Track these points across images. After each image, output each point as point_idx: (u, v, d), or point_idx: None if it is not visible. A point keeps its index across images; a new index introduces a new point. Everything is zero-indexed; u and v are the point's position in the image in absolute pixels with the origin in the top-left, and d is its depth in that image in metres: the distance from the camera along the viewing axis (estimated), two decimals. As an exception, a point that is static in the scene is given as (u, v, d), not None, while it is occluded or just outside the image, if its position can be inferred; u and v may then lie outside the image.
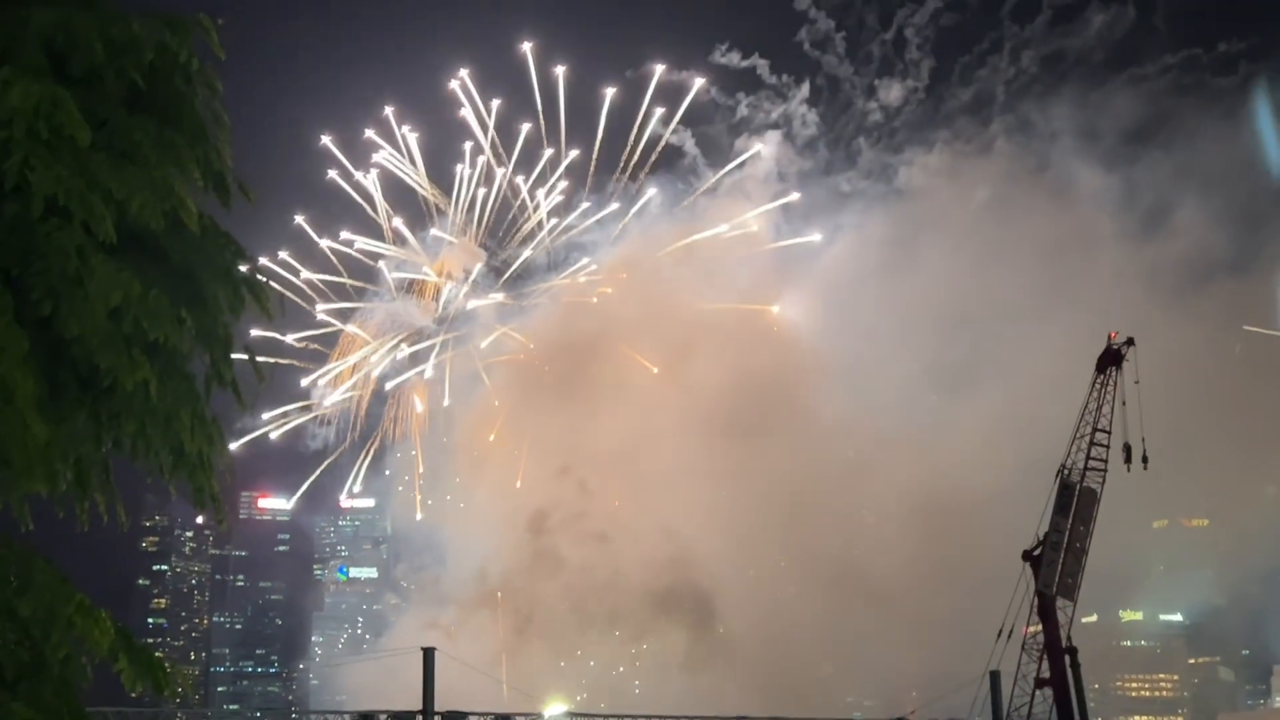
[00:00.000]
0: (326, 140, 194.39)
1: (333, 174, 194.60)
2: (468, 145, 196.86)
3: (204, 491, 17.73)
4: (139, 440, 16.84)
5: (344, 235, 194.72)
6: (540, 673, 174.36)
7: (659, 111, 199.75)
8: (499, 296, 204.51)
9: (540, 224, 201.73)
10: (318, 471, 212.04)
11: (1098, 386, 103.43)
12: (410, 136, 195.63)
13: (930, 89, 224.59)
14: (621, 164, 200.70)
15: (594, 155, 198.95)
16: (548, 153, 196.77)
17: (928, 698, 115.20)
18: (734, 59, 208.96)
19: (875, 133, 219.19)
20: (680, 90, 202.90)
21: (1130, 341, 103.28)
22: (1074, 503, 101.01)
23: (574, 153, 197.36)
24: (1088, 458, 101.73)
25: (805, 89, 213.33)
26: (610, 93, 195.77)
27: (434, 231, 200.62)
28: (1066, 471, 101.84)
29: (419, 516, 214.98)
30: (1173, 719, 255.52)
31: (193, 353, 17.31)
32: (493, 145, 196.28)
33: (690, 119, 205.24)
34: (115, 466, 18.05)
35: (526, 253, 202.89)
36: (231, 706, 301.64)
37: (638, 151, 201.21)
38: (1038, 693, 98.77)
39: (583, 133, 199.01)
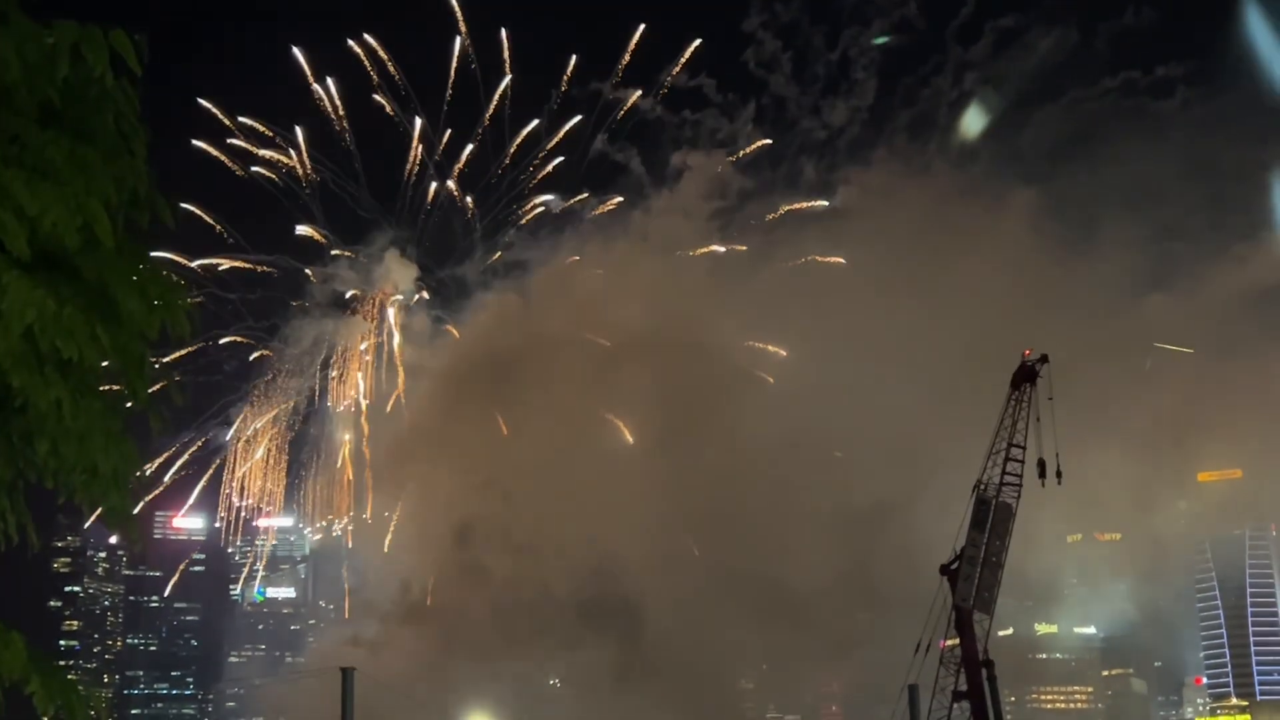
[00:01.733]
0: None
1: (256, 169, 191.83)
2: (414, 153, 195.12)
3: (117, 511, 17.50)
4: (51, 460, 16.60)
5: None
6: (465, 688, 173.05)
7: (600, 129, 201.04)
8: (431, 312, 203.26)
9: (476, 239, 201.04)
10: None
11: (1013, 403, 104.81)
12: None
13: (874, 109, 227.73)
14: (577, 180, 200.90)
15: (533, 168, 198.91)
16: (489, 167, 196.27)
17: (848, 712, 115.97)
18: (682, 79, 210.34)
19: (817, 151, 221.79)
20: (628, 109, 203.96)
21: (1044, 359, 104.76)
22: (990, 518, 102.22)
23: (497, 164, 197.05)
24: (1003, 473, 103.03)
25: (751, 108, 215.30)
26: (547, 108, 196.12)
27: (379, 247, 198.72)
28: (983, 487, 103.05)
29: (338, 534, 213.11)
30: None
31: (107, 371, 17.10)
32: (436, 162, 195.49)
33: (635, 136, 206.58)
34: (26, 486, 17.78)
35: (465, 265, 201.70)
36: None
37: (582, 167, 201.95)
38: (955, 705, 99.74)
39: (523, 145, 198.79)
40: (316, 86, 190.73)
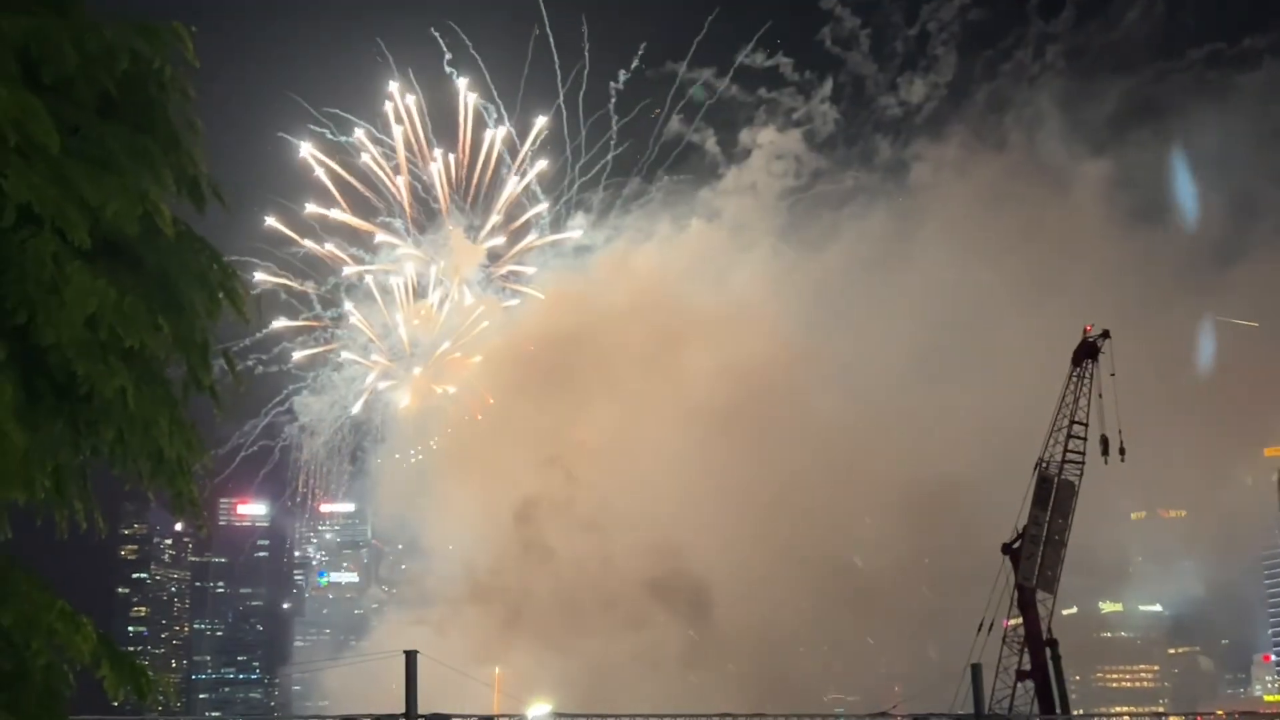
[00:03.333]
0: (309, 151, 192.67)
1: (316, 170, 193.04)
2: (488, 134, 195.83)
3: (183, 497, 17.71)
4: (117, 447, 16.81)
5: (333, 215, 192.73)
6: (530, 669, 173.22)
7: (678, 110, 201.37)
8: (492, 291, 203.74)
9: (540, 216, 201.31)
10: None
11: (1074, 379, 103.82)
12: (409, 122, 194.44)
13: (952, 84, 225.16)
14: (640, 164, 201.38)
15: (609, 155, 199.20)
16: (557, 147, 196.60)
17: (910, 692, 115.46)
18: (758, 59, 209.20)
19: (892, 129, 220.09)
20: (704, 89, 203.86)
21: (1106, 334, 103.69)
22: (1052, 495, 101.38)
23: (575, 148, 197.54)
24: (1065, 450, 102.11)
25: (828, 86, 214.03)
26: (619, 88, 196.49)
27: (449, 227, 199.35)
28: (1044, 464, 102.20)
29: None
30: (1153, 709, 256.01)
31: (170, 358, 17.28)
32: (506, 139, 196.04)
33: (710, 117, 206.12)
34: (93, 474, 18.01)
35: (530, 238, 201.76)
36: (214, 713, 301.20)
37: (655, 149, 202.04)
38: (1019, 685, 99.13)
39: (598, 129, 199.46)
40: (391, 87, 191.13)
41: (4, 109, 15.00)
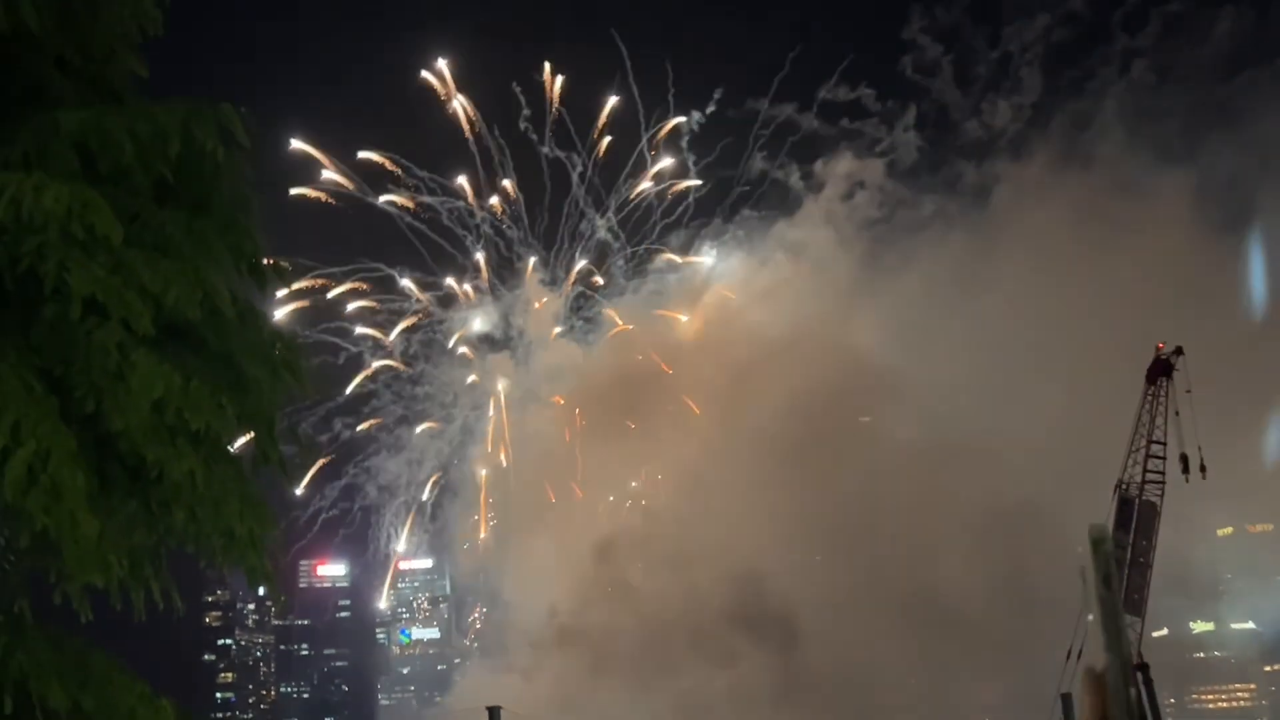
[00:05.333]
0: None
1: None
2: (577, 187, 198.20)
3: (257, 571, 17.89)
4: (190, 526, 17.04)
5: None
6: (619, 714, 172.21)
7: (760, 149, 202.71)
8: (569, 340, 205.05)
9: (623, 269, 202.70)
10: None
11: (1149, 398, 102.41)
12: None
13: (1036, 105, 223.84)
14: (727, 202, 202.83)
15: (691, 195, 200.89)
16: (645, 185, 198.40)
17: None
18: (841, 93, 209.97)
19: (975, 153, 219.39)
20: (787, 125, 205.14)
21: (1179, 350, 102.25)
22: (1134, 517, 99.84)
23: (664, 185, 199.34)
24: (1145, 471, 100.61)
25: (911, 114, 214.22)
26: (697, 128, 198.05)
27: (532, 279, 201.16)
28: (1124, 486, 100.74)
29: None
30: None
31: (236, 436, 17.50)
32: (585, 180, 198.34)
33: (793, 152, 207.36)
34: (170, 550, 18.24)
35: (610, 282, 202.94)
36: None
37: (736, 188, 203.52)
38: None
39: (682, 169, 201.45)
40: (477, 130, 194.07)
41: (67, 204, 15.31)
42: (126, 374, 15.54)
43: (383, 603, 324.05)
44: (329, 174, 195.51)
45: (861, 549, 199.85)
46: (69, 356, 15.57)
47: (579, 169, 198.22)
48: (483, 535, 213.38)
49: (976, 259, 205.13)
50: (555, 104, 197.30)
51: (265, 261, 18.40)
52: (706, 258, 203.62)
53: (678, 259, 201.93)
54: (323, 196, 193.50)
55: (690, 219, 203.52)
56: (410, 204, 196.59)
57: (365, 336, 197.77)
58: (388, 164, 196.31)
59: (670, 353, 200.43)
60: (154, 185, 16.97)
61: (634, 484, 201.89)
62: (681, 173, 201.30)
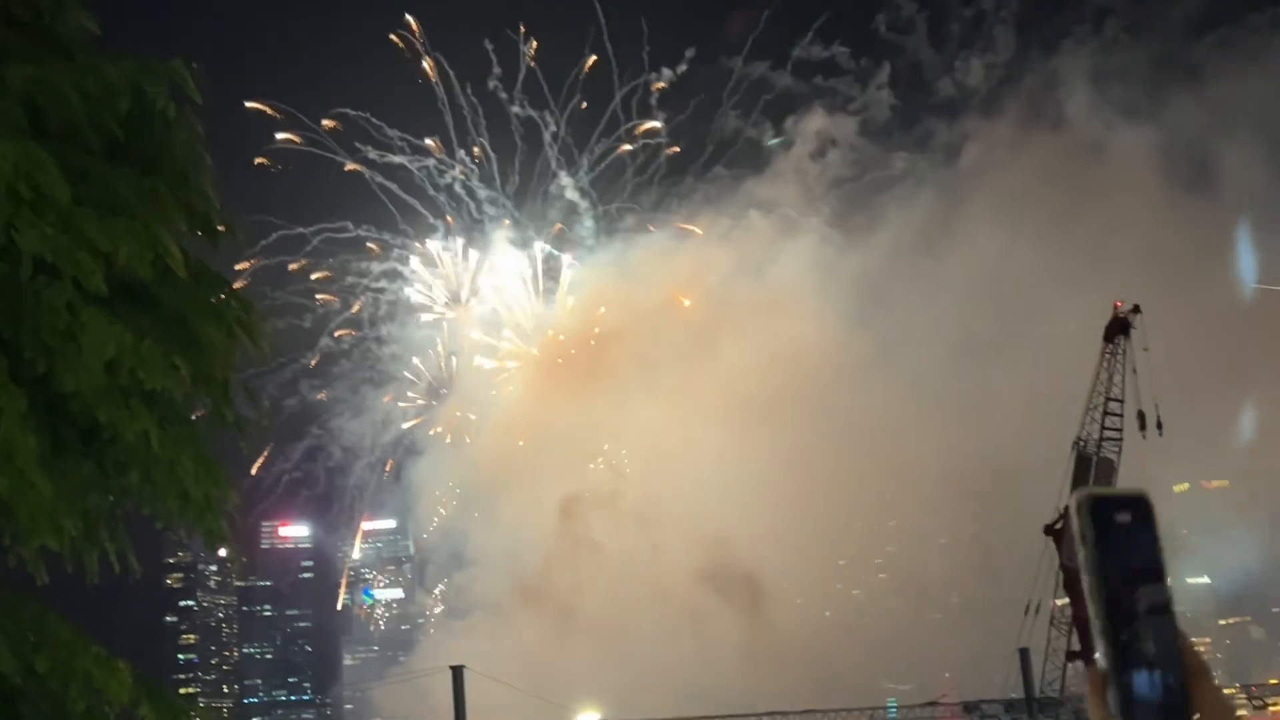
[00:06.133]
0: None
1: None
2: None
3: (214, 534, 17.77)
4: (144, 488, 16.90)
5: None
6: (583, 672, 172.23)
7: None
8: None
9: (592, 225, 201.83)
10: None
11: (1107, 356, 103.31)
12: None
13: (1010, 64, 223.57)
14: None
15: (662, 154, 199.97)
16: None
17: (960, 679, 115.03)
18: (814, 51, 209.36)
19: (948, 112, 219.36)
20: (760, 84, 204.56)
21: (1136, 309, 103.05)
22: (1092, 474, 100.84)
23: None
24: (1102, 428, 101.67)
25: (885, 73, 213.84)
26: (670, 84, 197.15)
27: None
28: (1082, 443, 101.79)
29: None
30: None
31: (191, 397, 17.33)
32: (556, 139, 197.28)
33: (766, 110, 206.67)
34: (129, 512, 18.10)
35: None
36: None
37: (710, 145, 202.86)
38: (1069, 666, 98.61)
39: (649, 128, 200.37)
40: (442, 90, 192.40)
41: (14, 163, 15.05)
42: (77, 334, 15.33)
43: (356, 553, 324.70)
44: (294, 134, 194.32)
45: (828, 509, 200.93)
46: (18, 317, 15.35)
47: (551, 128, 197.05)
48: (445, 496, 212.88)
49: (945, 217, 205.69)
50: (529, 60, 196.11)
51: (219, 221, 18.18)
52: (694, 228, 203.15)
53: (693, 228, 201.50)
54: (295, 139, 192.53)
55: (662, 178, 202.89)
56: (378, 161, 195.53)
57: (328, 300, 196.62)
58: (358, 123, 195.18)
59: (640, 312, 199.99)
60: (104, 143, 16.70)
61: (605, 446, 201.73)
62: (656, 131, 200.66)
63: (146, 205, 16.28)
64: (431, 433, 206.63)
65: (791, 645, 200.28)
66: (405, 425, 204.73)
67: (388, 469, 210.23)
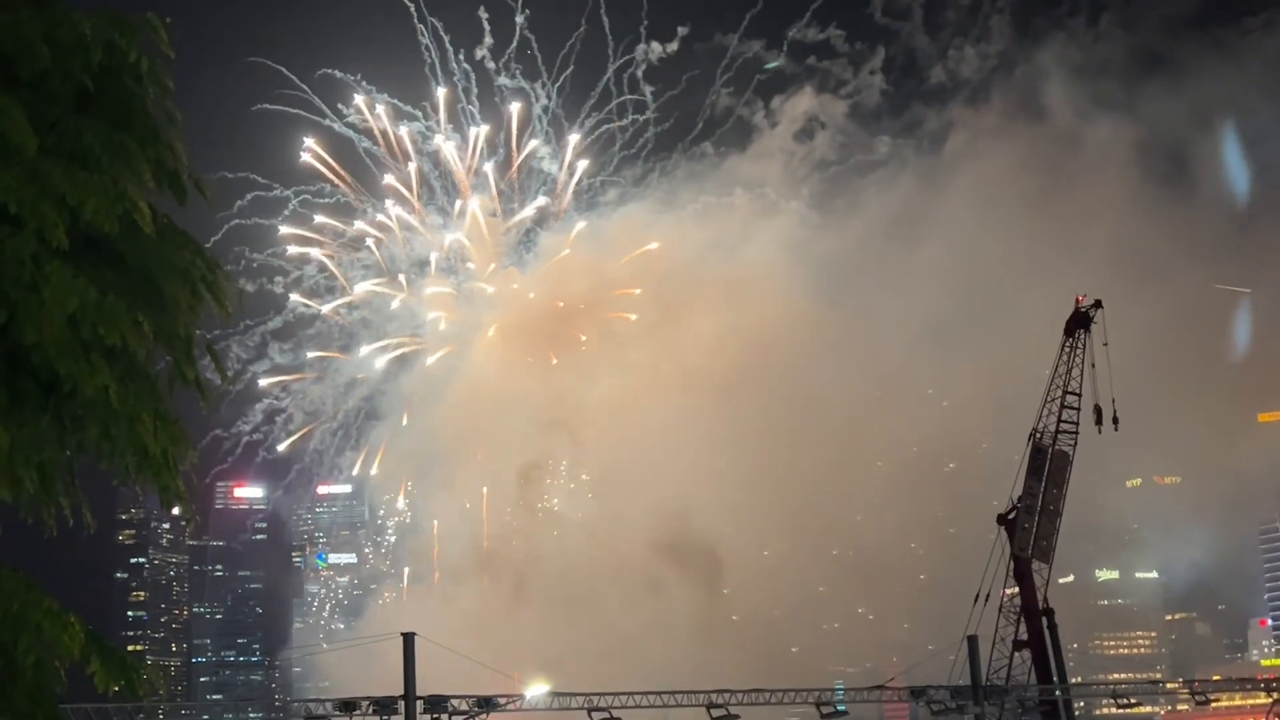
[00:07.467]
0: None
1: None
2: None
3: (170, 491, 17.66)
4: (103, 443, 16.75)
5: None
6: (537, 641, 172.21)
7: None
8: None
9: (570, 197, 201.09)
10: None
11: (1067, 350, 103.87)
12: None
13: (1003, 53, 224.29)
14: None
15: (650, 130, 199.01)
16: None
17: (909, 664, 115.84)
18: (810, 33, 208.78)
19: (938, 99, 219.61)
20: (752, 62, 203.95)
21: (1098, 304, 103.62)
22: (1047, 465, 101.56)
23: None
24: (1059, 420, 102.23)
25: (879, 58, 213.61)
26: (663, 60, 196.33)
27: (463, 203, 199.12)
28: (1038, 435, 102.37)
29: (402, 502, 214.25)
30: (1150, 676, 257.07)
31: (153, 354, 17.22)
32: (547, 111, 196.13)
33: (760, 89, 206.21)
34: (85, 465, 17.98)
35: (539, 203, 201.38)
36: (215, 696, 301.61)
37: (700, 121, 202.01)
38: (1016, 655, 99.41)
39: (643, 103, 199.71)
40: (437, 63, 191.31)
41: (-21, 110, 14.89)
42: (40, 286, 15.19)
43: (303, 530, 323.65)
44: (287, 92, 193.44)
45: (783, 488, 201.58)
46: (-21, 267, 15.21)
47: (542, 101, 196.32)
48: (404, 461, 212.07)
49: (923, 203, 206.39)
50: (522, 30, 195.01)
51: (189, 177, 18.03)
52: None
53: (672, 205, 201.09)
54: (285, 97, 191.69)
55: (649, 153, 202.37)
56: (368, 125, 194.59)
57: (304, 259, 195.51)
58: (350, 86, 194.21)
59: (609, 286, 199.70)
60: (74, 93, 16.53)
61: (556, 417, 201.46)
62: (643, 108, 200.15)
63: (115, 159, 16.12)
64: (402, 393, 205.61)
65: (746, 622, 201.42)
66: (365, 389, 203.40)
67: (348, 425, 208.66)
